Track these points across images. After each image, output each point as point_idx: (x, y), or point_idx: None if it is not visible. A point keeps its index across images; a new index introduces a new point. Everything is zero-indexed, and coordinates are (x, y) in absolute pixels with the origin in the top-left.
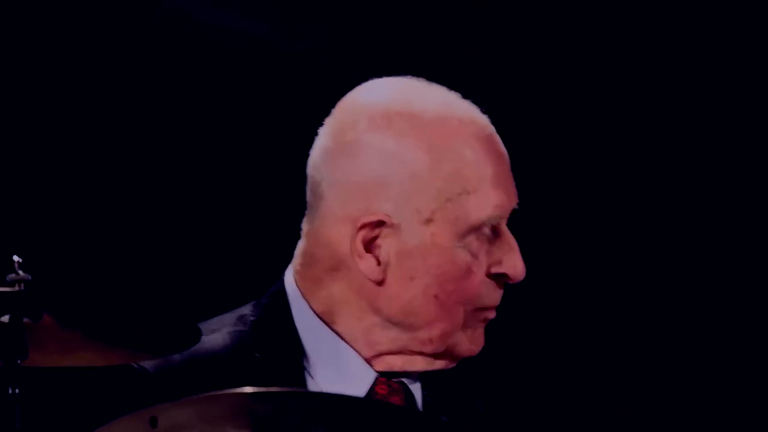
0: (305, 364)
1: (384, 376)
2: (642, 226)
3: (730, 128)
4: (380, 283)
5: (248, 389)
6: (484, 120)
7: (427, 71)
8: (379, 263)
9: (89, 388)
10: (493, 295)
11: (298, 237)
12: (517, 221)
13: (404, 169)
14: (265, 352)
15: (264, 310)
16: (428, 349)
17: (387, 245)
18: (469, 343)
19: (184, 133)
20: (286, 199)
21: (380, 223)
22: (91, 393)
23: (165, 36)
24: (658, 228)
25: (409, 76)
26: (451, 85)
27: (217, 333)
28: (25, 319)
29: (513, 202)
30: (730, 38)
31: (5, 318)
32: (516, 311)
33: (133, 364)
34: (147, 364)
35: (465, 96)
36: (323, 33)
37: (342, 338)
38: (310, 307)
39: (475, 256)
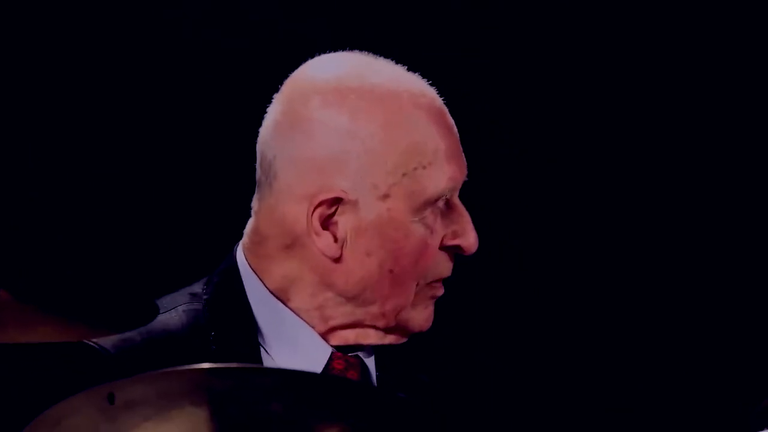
0: (260, 341)
1: (339, 351)
2: (641, 226)
3: (727, 128)
4: (337, 259)
5: (206, 365)
6: (433, 93)
7: (427, 71)
8: (336, 240)
9: (48, 366)
10: (445, 266)
11: (247, 214)
12: (517, 221)
13: (360, 145)
14: (220, 330)
15: (216, 289)
16: (381, 323)
17: (344, 222)
18: (420, 319)
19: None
20: (236, 176)
21: (337, 200)
22: (49, 371)
23: (164, 36)
24: (656, 228)
25: (356, 51)
26: (451, 85)
27: (172, 311)
28: None
29: (464, 173)
30: (729, 38)
31: None
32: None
33: (92, 343)
34: (106, 343)
35: (465, 96)
36: (323, 33)
37: (297, 314)
38: (264, 285)
39: (430, 229)
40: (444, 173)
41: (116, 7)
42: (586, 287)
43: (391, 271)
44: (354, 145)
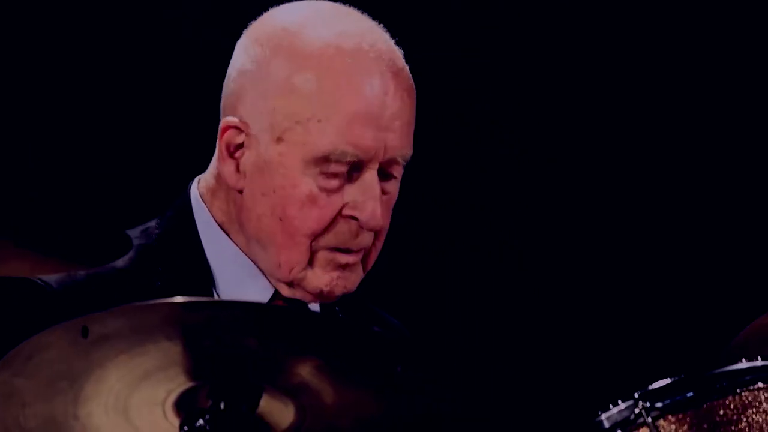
0: (210, 277)
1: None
2: (640, 227)
3: (726, 128)
4: (240, 192)
5: (179, 299)
6: (381, 65)
7: (427, 71)
8: (238, 170)
9: None
10: (345, 236)
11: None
12: (517, 221)
13: (266, 84)
14: (169, 265)
15: (168, 223)
16: (278, 274)
17: (247, 155)
18: (317, 282)
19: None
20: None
21: (240, 131)
22: None
23: (163, 35)
24: (655, 228)
25: (337, 4)
26: (451, 85)
27: None
28: None
29: (384, 149)
30: (729, 38)
31: None
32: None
33: (38, 280)
34: (50, 279)
35: (465, 96)
36: None
37: (240, 249)
38: (213, 218)
39: (323, 189)
40: (341, 134)
41: (114, 6)
42: (585, 287)
43: (281, 219)
44: (261, 82)
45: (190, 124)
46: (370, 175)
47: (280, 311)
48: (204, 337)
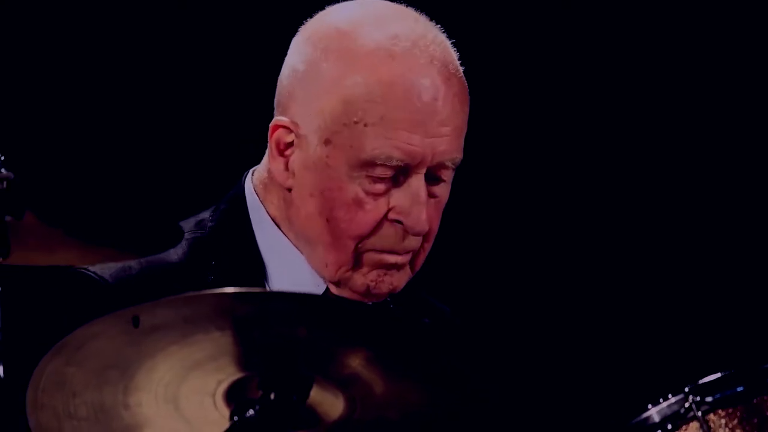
0: (263, 270)
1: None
2: (639, 227)
3: (724, 128)
4: (289, 191)
5: (230, 289)
6: (432, 70)
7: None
8: (287, 169)
9: (46, 294)
10: (392, 240)
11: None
12: (517, 219)
13: (316, 85)
14: (223, 259)
15: (222, 216)
16: (325, 274)
17: (296, 155)
18: (361, 281)
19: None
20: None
21: (290, 130)
22: (47, 299)
23: (219, 23)
24: (709, 222)
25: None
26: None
27: None
28: (8, 217)
29: (432, 154)
30: (729, 38)
31: None
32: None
33: (90, 272)
34: (104, 272)
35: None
36: None
37: (293, 245)
38: (267, 212)
39: (368, 192)
40: (387, 139)
41: None
42: (640, 279)
43: (328, 221)
44: (312, 83)
45: (246, 114)
46: (417, 180)
47: (330, 302)
48: (254, 327)
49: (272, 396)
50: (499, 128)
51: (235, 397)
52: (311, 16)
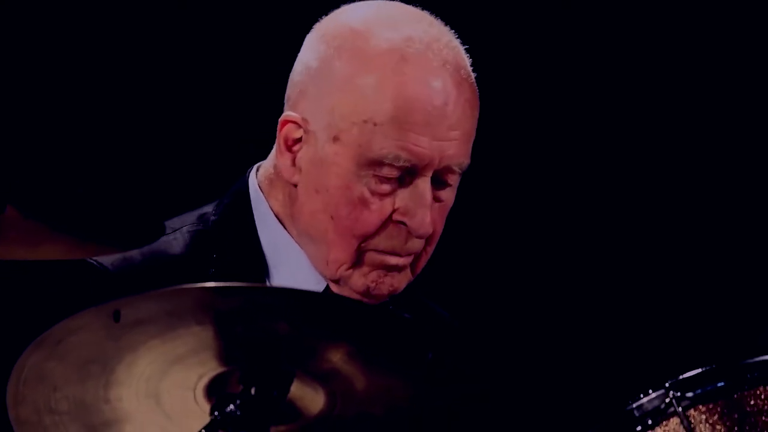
0: (263, 266)
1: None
2: (678, 215)
3: (722, 128)
4: (295, 185)
5: (211, 284)
6: (444, 74)
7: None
8: (294, 164)
9: (48, 283)
10: (395, 241)
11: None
12: (517, 218)
13: (327, 82)
14: (224, 252)
15: (225, 210)
16: (326, 271)
17: (304, 151)
18: (361, 281)
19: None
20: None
21: (299, 126)
22: (49, 288)
23: (226, 16)
24: (694, 217)
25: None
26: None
27: (177, 232)
28: None
29: (440, 157)
30: (729, 38)
31: None
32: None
33: (93, 261)
34: (106, 261)
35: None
36: None
37: (295, 241)
38: (270, 208)
39: (374, 192)
40: (396, 139)
41: None
42: (618, 275)
43: (332, 218)
44: (322, 79)
45: (241, 110)
46: (423, 183)
47: (312, 297)
48: (236, 322)
49: (253, 391)
50: (495, 133)
51: (215, 391)
52: (325, 14)
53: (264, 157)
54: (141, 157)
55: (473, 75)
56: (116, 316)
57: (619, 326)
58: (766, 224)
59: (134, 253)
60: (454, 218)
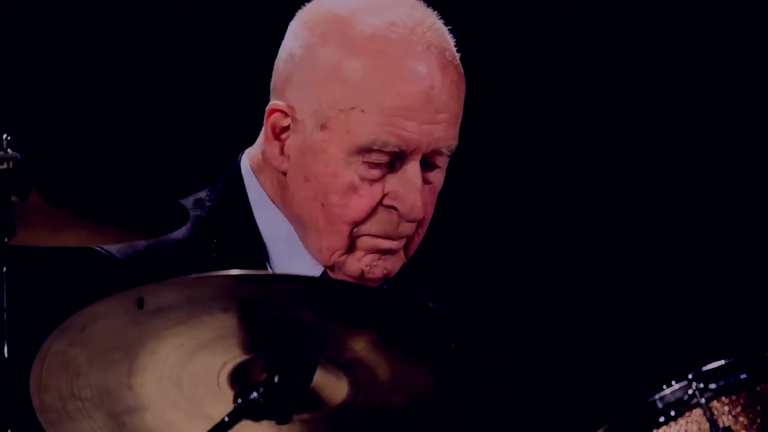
0: (263, 249)
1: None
2: (697, 210)
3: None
4: (284, 174)
5: (236, 271)
6: (429, 57)
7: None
8: (282, 152)
9: (61, 272)
10: (386, 225)
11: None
12: (514, 220)
13: (313, 70)
14: (223, 238)
15: (219, 195)
16: (319, 258)
17: (292, 139)
18: (355, 266)
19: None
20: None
21: (286, 115)
22: (62, 276)
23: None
24: (711, 211)
25: None
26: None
27: None
28: (13, 197)
29: (428, 141)
30: (729, 38)
31: None
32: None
33: (101, 249)
34: (112, 248)
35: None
36: None
37: (290, 224)
38: (264, 192)
39: (364, 178)
40: (383, 125)
41: None
42: (643, 265)
43: (323, 205)
44: (310, 69)
45: (239, 93)
46: (412, 167)
47: (336, 285)
48: (259, 309)
49: (276, 379)
50: (491, 118)
51: (239, 379)
52: (308, 0)
53: (247, 143)
54: (161, 144)
55: (458, 56)
56: (140, 303)
57: (644, 317)
58: None
59: (139, 241)
60: (463, 212)
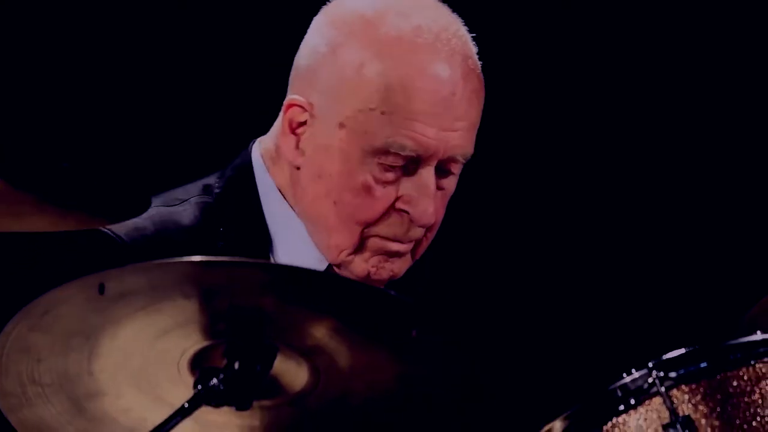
0: (268, 240)
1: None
2: (663, 201)
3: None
4: (297, 169)
5: (197, 258)
6: (453, 64)
7: None
8: (297, 147)
9: (66, 254)
10: (397, 228)
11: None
12: (518, 217)
13: (335, 68)
14: (229, 226)
15: (228, 183)
16: (327, 255)
17: (308, 134)
18: (362, 267)
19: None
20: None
21: (305, 110)
22: (67, 258)
23: None
24: (679, 202)
25: None
26: None
27: (185, 203)
28: None
29: (445, 147)
30: (729, 38)
31: None
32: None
33: (110, 232)
34: (119, 230)
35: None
36: None
37: (299, 218)
38: (274, 184)
39: (378, 180)
40: (402, 128)
41: None
42: (603, 256)
43: (335, 203)
44: (332, 66)
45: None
46: (427, 172)
47: (297, 272)
48: (221, 296)
49: (236, 365)
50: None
51: (199, 365)
52: None
53: (251, 133)
54: (128, 133)
55: (479, 64)
56: (101, 289)
57: (605, 306)
58: (745, 207)
59: (147, 224)
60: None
